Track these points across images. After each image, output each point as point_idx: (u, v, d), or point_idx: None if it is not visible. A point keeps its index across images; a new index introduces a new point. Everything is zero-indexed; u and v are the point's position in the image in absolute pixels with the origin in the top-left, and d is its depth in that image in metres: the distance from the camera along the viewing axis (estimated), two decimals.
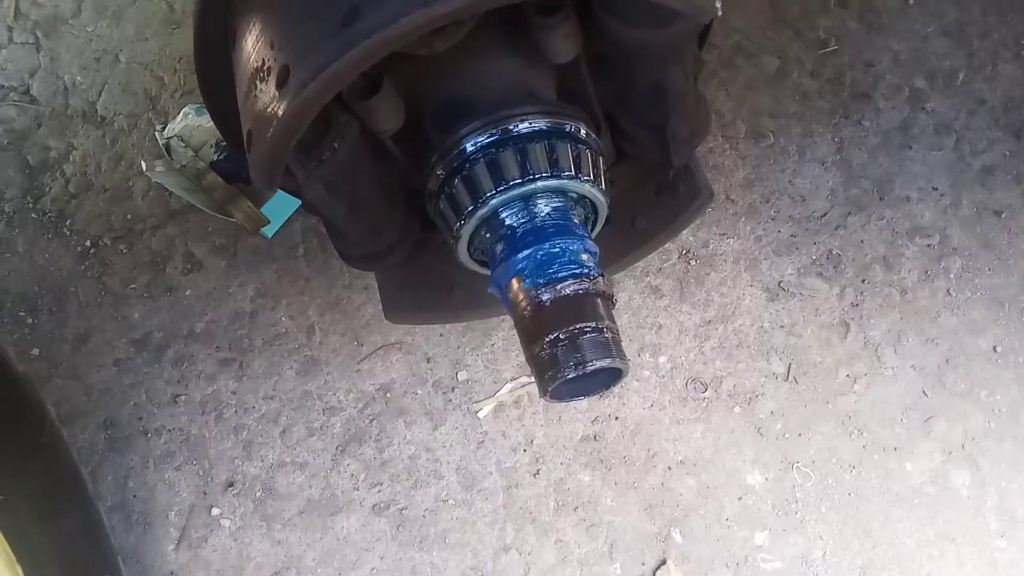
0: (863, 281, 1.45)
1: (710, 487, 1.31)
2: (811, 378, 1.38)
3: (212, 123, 1.66)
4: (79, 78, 1.74)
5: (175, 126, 1.65)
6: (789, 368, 1.39)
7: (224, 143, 1.60)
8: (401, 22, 0.71)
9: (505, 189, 0.90)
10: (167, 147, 1.63)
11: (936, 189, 1.52)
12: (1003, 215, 1.49)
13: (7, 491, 0.94)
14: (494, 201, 0.91)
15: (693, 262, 1.47)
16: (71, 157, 1.65)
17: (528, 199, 0.91)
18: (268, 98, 0.77)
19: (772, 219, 1.51)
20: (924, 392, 1.36)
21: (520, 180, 0.90)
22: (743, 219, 1.51)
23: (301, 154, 0.88)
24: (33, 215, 1.60)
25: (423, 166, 0.96)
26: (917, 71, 1.63)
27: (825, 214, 1.51)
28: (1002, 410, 1.34)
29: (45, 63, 1.76)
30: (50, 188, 1.62)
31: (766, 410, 1.36)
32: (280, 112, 0.76)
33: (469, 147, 0.92)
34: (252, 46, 0.82)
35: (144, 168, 1.59)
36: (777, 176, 1.54)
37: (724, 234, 1.49)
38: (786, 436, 1.34)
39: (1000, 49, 1.64)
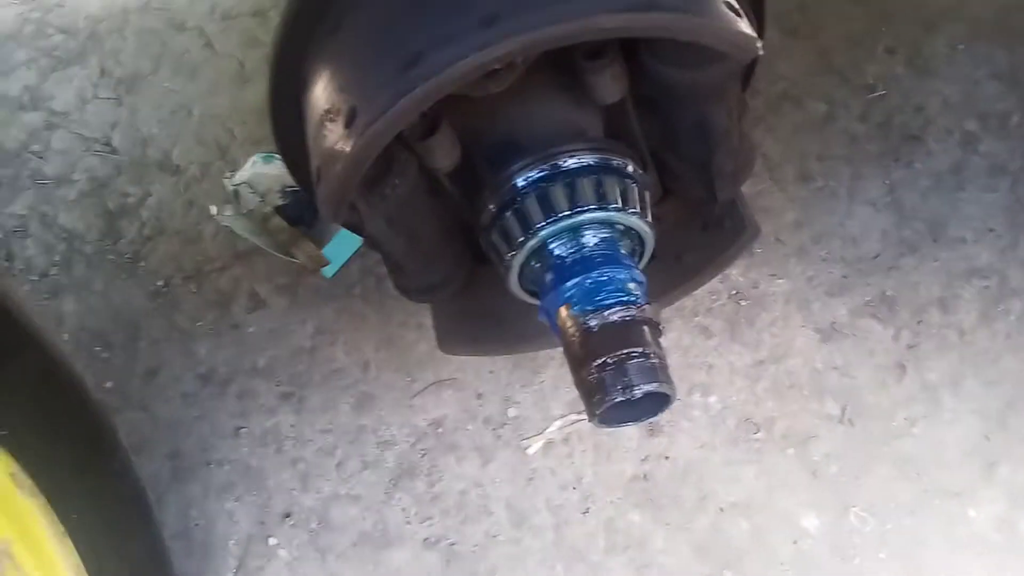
0: (919, 323, 1.43)
1: (763, 530, 1.29)
2: (867, 420, 1.36)
3: (278, 171, 1.77)
4: (156, 130, 1.86)
5: (243, 174, 1.75)
6: (844, 410, 1.37)
7: (289, 188, 1.69)
8: (458, 65, 0.77)
9: (554, 220, 0.94)
10: (235, 193, 1.73)
11: (992, 231, 1.50)
12: None
13: (81, 511, 0.99)
14: (544, 232, 0.95)
15: (743, 302, 1.48)
16: (147, 203, 1.76)
17: (576, 230, 0.95)
18: (336, 137, 0.84)
19: (823, 260, 1.51)
20: (986, 437, 1.33)
21: (569, 212, 0.94)
22: (793, 260, 1.51)
23: (364, 190, 0.94)
24: (111, 256, 1.70)
25: (476, 201, 1.02)
26: (968, 114, 1.63)
27: (877, 255, 1.50)
28: None
29: (126, 117, 1.89)
30: (127, 232, 1.72)
31: (821, 452, 1.34)
32: (347, 150, 0.82)
33: (520, 182, 0.96)
34: (322, 91, 0.89)
35: (214, 213, 1.68)
36: (827, 218, 1.55)
37: (774, 275, 1.50)
38: (842, 479, 1.32)
39: None
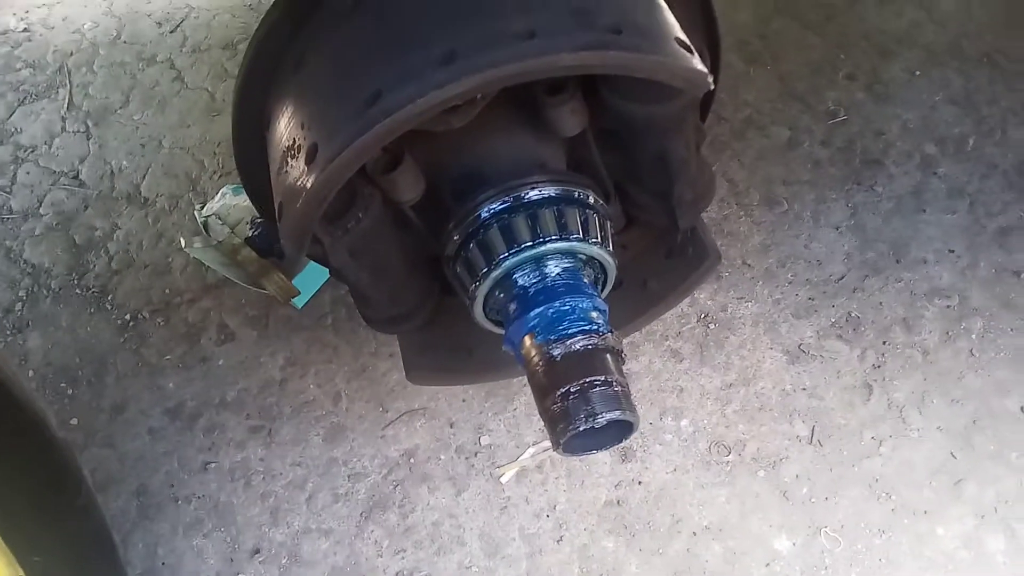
0: (884, 343, 1.45)
1: (736, 553, 1.29)
2: (836, 441, 1.37)
3: (248, 202, 1.76)
4: (125, 163, 1.85)
5: (213, 205, 1.74)
6: (813, 431, 1.38)
7: (259, 220, 1.69)
8: (418, 102, 0.78)
9: (517, 251, 0.95)
10: (205, 225, 1.72)
11: (953, 251, 1.54)
12: (1022, 275, 1.49)
13: (43, 552, 0.96)
14: (507, 263, 0.96)
15: (712, 326, 1.49)
16: (115, 236, 1.74)
17: (539, 260, 0.96)
18: (298, 173, 0.84)
19: (789, 283, 1.53)
20: (952, 454, 1.34)
21: (531, 243, 0.95)
22: (760, 283, 1.53)
23: (328, 224, 0.94)
24: (77, 291, 1.68)
25: (441, 233, 1.02)
26: (927, 138, 1.67)
27: (842, 277, 1.53)
28: None
29: (94, 150, 1.88)
30: (94, 265, 1.71)
31: (791, 474, 1.35)
32: (308, 185, 0.83)
33: (484, 213, 0.97)
34: (284, 127, 0.89)
35: (183, 245, 1.67)
36: (792, 241, 1.57)
37: (742, 298, 1.52)
38: (812, 500, 1.32)
39: (1009, 115, 1.68)
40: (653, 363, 1.46)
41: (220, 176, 1.81)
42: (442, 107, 0.81)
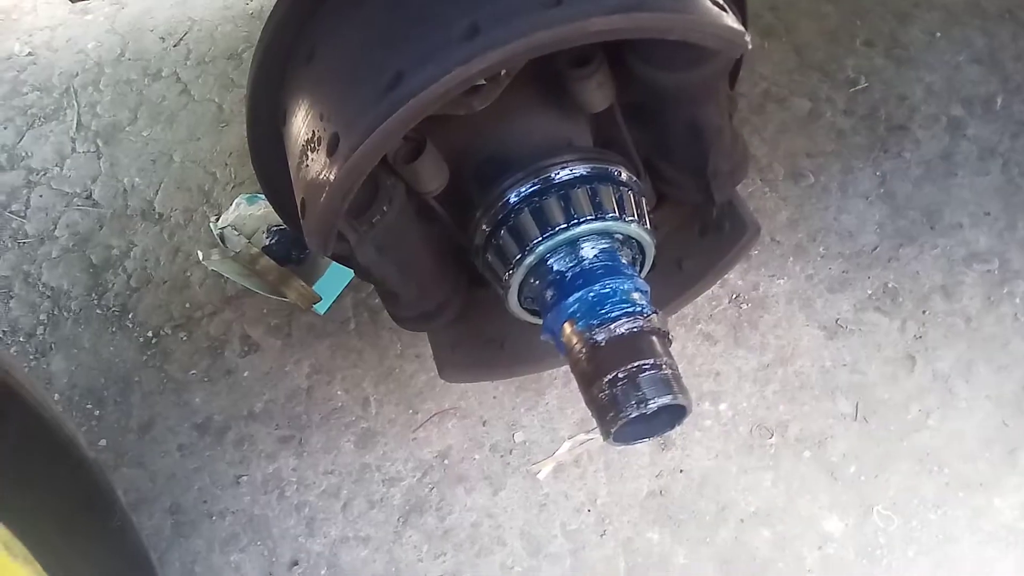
0: (924, 312, 1.41)
1: (787, 538, 1.25)
2: (881, 416, 1.33)
3: (263, 211, 1.74)
4: (137, 180, 1.83)
5: (228, 216, 1.72)
6: (857, 407, 1.34)
7: (275, 227, 1.67)
8: (442, 80, 0.75)
9: (551, 235, 0.92)
10: (221, 237, 1.70)
11: (988, 214, 1.49)
12: None
13: (81, 575, 0.94)
14: (541, 248, 0.92)
15: (745, 306, 1.45)
16: (132, 253, 1.73)
17: (574, 243, 0.92)
18: (319, 166, 0.81)
19: (821, 257, 1.49)
20: (1004, 423, 1.30)
21: (565, 225, 0.92)
22: (791, 259, 1.49)
23: (352, 219, 0.91)
24: (98, 311, 1.67)
25: (468, 223, 0.99)
26: (953, 99, 1.63)
27: (876, 248, 1.48)
28: None
29: (105, 168, 1.87)
30: (113, 284, 1.69)
31: (838, 452, 1.31)
32: (332, 177, 0.79)
33: (512, 198, 0.94)
34: (302, 120, 0.86)
35: (201, 258, 1.66)
36: (821, 214, 1.53)
37: (773, 275, 1.48)
38: (862, 478, 1.28)
39: None
40: (686, 348, 1.42)
41: (233, 187, 1.79)
42: (467, 85, 0.77)
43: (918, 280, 1.44)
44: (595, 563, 1.28)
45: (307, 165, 0.84)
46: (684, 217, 1.18)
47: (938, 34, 1.71)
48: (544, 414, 1.39)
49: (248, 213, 1.72)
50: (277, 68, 0.92)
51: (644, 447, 1.34)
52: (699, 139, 1.00)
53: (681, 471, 1.33)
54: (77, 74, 2.05)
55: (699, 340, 1.43)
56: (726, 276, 1.45)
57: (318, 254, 1.17)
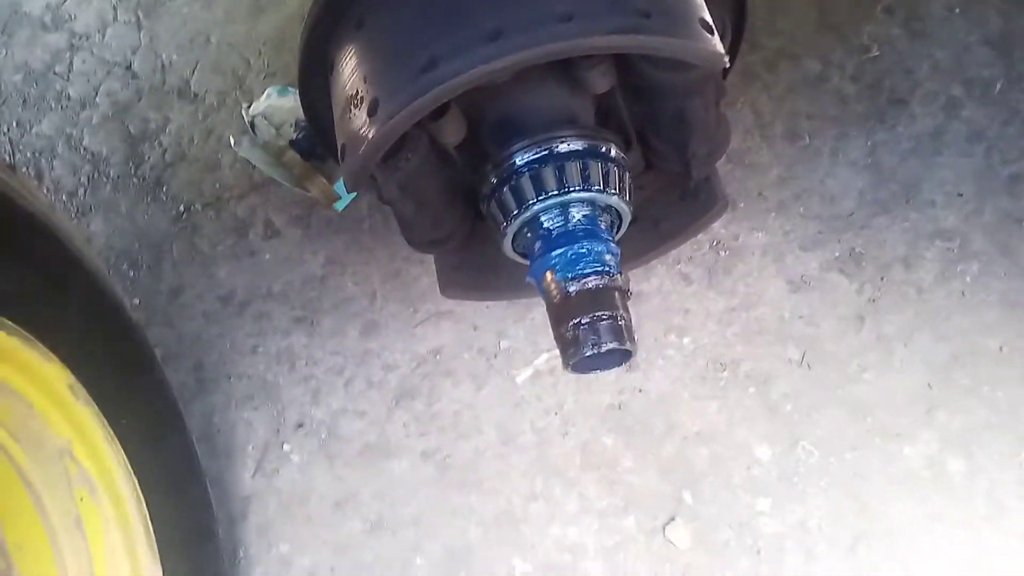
0: (882, 279, 1.55)
1: (721, 457, 1.45)
2: (824, 365, 1.50)
3: (292, 104, 1.85)
4: (175, 56, 1.93)
5: (259, 105, 1.82)
6: (804, 355, 1.51)
7: (303, 123, 1.78)
8: (469, 73, 0.90)
9: (545, 198, 1.07)
10: (252, 124, 1.81)
11: (961, 195, 1.60)
12: None
13: (128, 417, 1.14)
14: (536, 207, 1.09)
15: (723, 253, 1.59)
16: (167, 129, 1.85)
17: (564, 206, 1.08)
18: (360, 122, 0.96)
19: (801, 216, 1.61)
20: (929, 385, 1.47)
21: (557, 192, 1.07)
22: (773, 214, 1.62)
23: (381, 163, 1.06)
24: (134, 180, 1.81)
25: (479, 171, 1.14)
26: (955, 79, 1.69)
27: (852, 214, 1.61)
28: (1003, 407, 1.43)
29: (145, 41, 1.95)
30: (149, 157, 1.83)
31: (779, 392, 1.49)
32: (371, 135, 0.96)
33: (519, 160, 1.10)
34: (348, 77, 1.01)
35: (232, 143, 1.78)
36: (810, 176, 1.64)
37: (754, 228, 1.61)
38: (795, 416, 1.47)
39: None
40: (664, 284, 1.58)
41: (265, 76, 1.89)
42: (488, 79, 0.90)
43: (883, 249, 1.57)
44: (556, 457, 1.49)
45: (350, 117, 0.99)
46: (667, 182, 1.32)
47: (957, 10, 1.75)
48: (529, 327, 1.57)
49: (278, 104, 1.82)
50: (329, 23, 1.07)
51: None
52: (684, 125, 1.13)
53: (640, 390, 1.51)
54: None
55: (676, 279, 1.58)
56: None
57: (351, 191, 1.34)
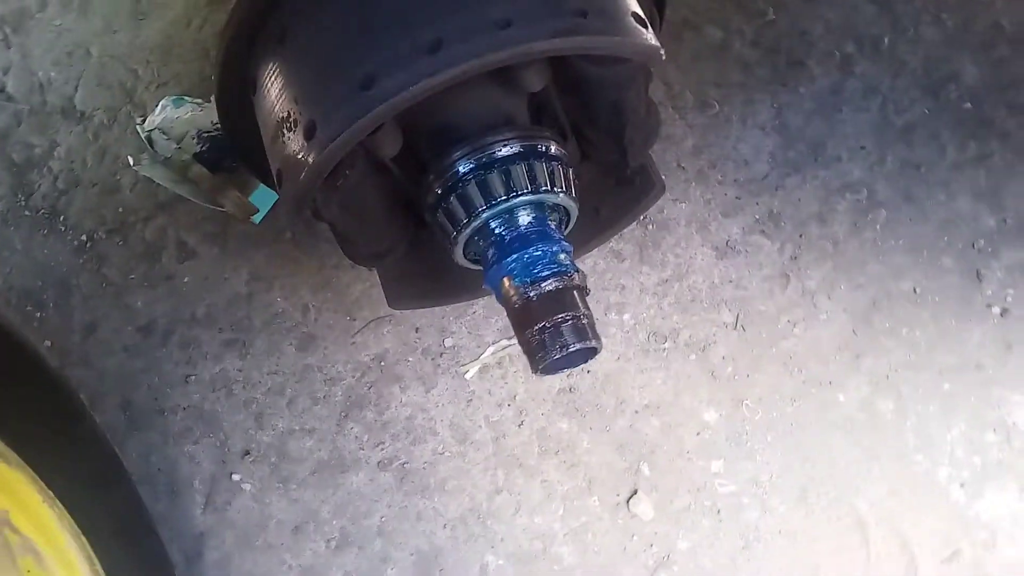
0: (800, 236, 1.62)
1: (672, 426, 1.50)
2: (757, 326, 1.56)
3: (190, 115, 1.75)
4: (53, 73, 1.78)
5: (155, 119, 1.72)
6: (737, 318, 1.57)
7: (205, 133, 1.68)
8: (411, 90, 0.87)
9: (494, 204, 1.06)
10: (149, 140, 1.71)
11: (864, 148, 1.69)
12: (922, 168, 1.67)
13: (66, 474, 1.07)
14: (485, 215, 1.07)
15: (650, 226, 1.63)
16: (55, 153, 1.72)
17: (512, 211, 1.08)
18: (297, 147, 0.92)
19: (719, 183, 1.66)
20: (854, 332, 1.56)
21: (505, 197, 1.06)
22: (693, 184, 1.66)
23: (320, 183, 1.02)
24: (26, 212, 1.67)
25: (420, 181, 1.12)
26: (847, 38, 1.78)
27: (766, 176, 1.67)
28: (921, 344, 1.54)
29: (17, 59, 1.80)
30: (39, 185, 1.69)
31: (718, 356, 1.54)
32: (310, 160, 0.92)
33: (462, 169, 1.08)
34: (276, 97, 0.95)
35: (131, 162, 1.67)
36: (722, 143, 1.69)
37: (677, 199, 1.65)
38: (736, 377, 1.53)
39: (922, 14, 1.79)
40: (597, 264, 1.60)
41: (157, 87, 1.77)
42: (431, 93, 0.87)
43: (799, 207, 1.64)
44: (513, 448, 1.50)
45: (284, 141, 0.94)
46: (603, 171, 1.33)
47: None
48: (471, 322, 1.56)
49: (175, 116, 1.73)
50: (245, 36, 1.00)
51: None
52: (619, 116, 1.14)
53: (588, 371, 1.54)
54: None
55: (609, 257, 1.60)
56: None
57: (291, 218, 1.29)
